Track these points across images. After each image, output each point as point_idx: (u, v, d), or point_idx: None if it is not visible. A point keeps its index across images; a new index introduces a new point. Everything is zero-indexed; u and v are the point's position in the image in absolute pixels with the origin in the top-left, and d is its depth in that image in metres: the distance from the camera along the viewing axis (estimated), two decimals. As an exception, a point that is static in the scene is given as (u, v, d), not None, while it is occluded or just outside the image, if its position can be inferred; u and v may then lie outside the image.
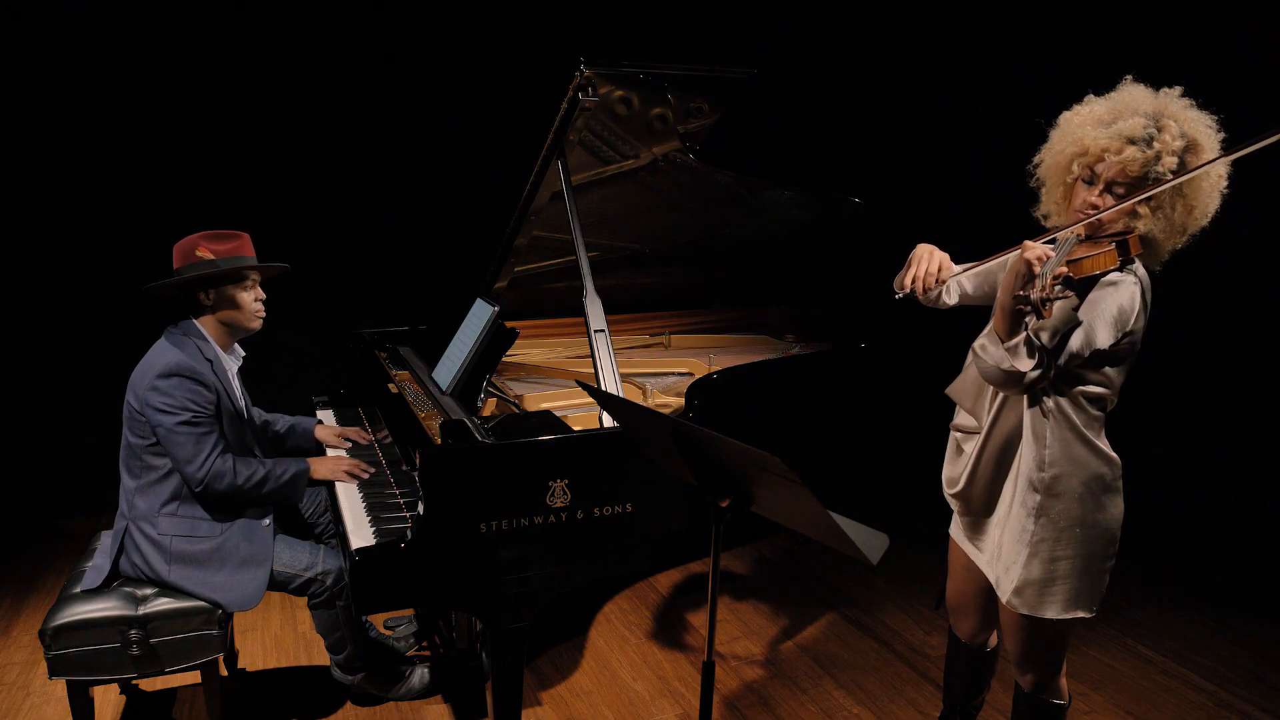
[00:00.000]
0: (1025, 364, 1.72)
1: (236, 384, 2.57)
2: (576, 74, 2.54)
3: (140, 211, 4.17)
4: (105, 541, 2.52)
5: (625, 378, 3.00)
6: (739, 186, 3.21)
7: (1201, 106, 1.76)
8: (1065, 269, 1.67)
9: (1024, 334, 1.72)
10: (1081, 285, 1.80)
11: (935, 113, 4.89)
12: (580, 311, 2.63)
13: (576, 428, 2.38)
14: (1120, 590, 3.53)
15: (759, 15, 4.92)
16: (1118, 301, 1.74)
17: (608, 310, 2.65)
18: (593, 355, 2.55)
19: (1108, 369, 1.80)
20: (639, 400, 2.93)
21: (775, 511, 1.62)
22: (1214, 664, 3.07)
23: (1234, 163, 1.71)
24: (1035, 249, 1.68)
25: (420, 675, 2.80)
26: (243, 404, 2.60)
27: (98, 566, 2.43)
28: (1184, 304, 4.09)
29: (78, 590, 2.37)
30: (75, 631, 2.26)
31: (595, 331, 2.59)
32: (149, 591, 2.37)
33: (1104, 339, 1.73)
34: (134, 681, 2.77)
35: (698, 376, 2.89)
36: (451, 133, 4.56)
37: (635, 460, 2.29)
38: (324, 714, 2.74)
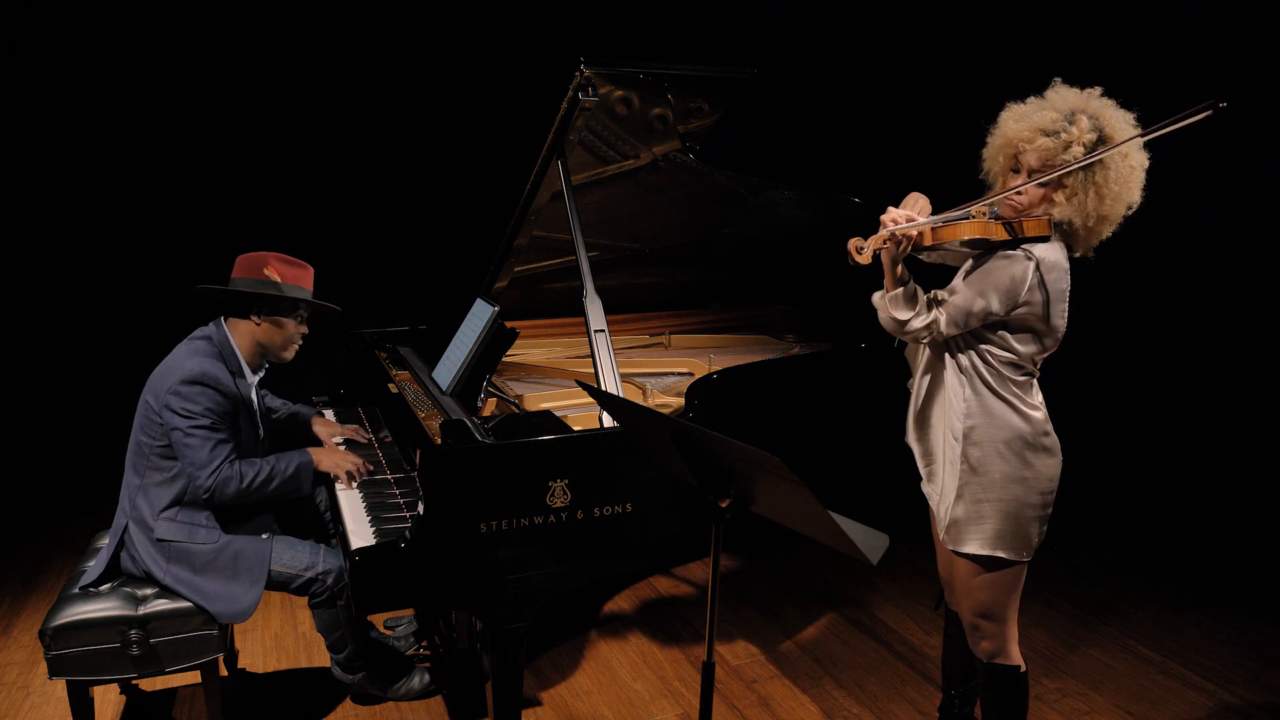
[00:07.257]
0: (903, 313, 1.98)
1: (255, 397, 2.58)
2: (576, 74, 2.54)
3: (142, 212, 4.17)
4: (105, 541, 2.51)
5: (625, 378, 3.00)
6: (739, 186, 3.20)
7: (1125, 106, 1.93)
8: (914, 232, 1.93)
9: (901, 289, 1.98)
10: (988, 253, 1.98)
11: (935, 113, 4.89)
12: (580, 311, 2.63)
13: (576, 428, 2.38)
14: (1120, 590, 3.53)
15: (759, 15, 4.92)
16: (1009, 272, 1.91)
17: (608, 310, 2.65)
18: (593, 355, 2.55)
19: (1008, 338, 1.97)
20: (639, 400, 2.93)
21: (775, 511, 1.62)
22: (1214, 664, 3.07)
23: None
24: (890, 212, 1.98)
25: (420, 675, 2.80)
26: (259, 419, 2.61)
27: (98, 567, 2.43)
28: (1184, 302, 4.11)
29: (78, 590, 2.37)
30: (75, 631, 2.26)
31: (595, 331, 2.59)
32: (149, 591, 2.37)
33: (995, 304, 1.92)
34: (134, 681, 2.77)
35: (698, 376, 2.89)
36: (451, 132, 4.56)
37: (635, 460, 2.29)
38: (324, 714, 2.74)
